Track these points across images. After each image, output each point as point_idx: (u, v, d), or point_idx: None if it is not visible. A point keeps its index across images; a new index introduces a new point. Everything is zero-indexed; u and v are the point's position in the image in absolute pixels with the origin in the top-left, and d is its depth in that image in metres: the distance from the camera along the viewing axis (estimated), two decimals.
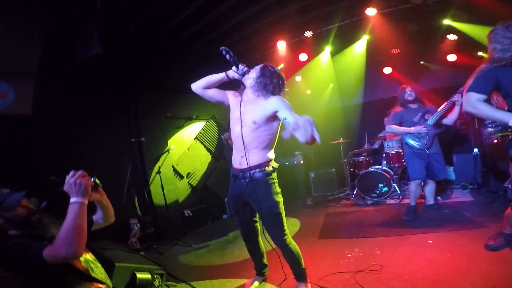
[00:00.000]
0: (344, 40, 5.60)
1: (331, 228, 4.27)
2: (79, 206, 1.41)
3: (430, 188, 4.31)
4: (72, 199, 1.42)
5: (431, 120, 3.98)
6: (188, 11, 4.31)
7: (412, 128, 4.04)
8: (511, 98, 2.20)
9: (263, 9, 4.43)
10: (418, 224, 3.80)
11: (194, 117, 5.64)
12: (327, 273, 2.75)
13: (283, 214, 2.24)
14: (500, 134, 4.80)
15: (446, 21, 4.81)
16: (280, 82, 2.22)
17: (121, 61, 4.45)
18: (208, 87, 2.33)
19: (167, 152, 4.91)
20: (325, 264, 3.01)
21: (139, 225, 4.16)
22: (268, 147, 2.24)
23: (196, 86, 2.34)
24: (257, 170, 2.19)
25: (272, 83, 2.17)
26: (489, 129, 4.97)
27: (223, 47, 2.18)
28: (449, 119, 3.96)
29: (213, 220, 5.17)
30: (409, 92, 4.17)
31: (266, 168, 2.20)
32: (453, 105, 3.87)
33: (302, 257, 2.37)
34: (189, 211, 5.04)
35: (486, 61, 2.26)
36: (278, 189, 2.25)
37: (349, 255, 3.14)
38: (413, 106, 4.17)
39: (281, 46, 5.33)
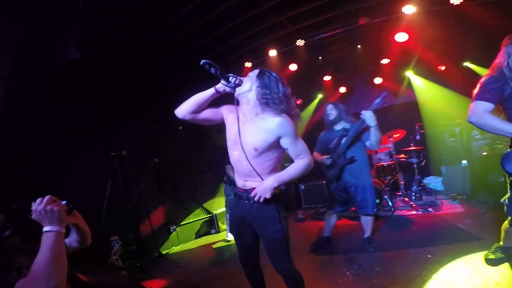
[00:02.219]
0: (337, 50, 5.57)
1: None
2: (55, 235, 1.25)
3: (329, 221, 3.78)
4: (46, 228, 1.26)
5: (340, 148, 3.37)
6: (177, 16, 4.14)
7: (319, 158, 3.45)
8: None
9: (255, 17, 4.32)
10: (414, 238, 3.73)
11: (180, 128, 5.39)
12: None
13: (289, 240, 2.01)
14: (485, 146, 4.89)
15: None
16: (285, 91, 1.87)
17: (101, 67, 4.18)
18: (197, 110, 1.93)
19: (150, 166, 4.59)
20: (325, 284, 2.85)
21: (120, 242, 3.85)
22: (272, 171, 1.94)
23: (183, 113, 1.93)
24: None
25: (275, 96, 1.82)
26: (479, 141, 5.02)
27: (204, 61, 1.76)
28: (371, 144, 3.27)
29: (201, 235, 4.89)
30: (328, 111, 3.48)
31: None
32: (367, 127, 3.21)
33: (304, 282, 2.14)
34: (174, 227, 4.75)
35: (493, 69, 2.15)
36: (285, 213, 2.00)
37: (348, 273, 3.01)
38: (337, 127, 3.48)
39: (272, 54, 5.22)
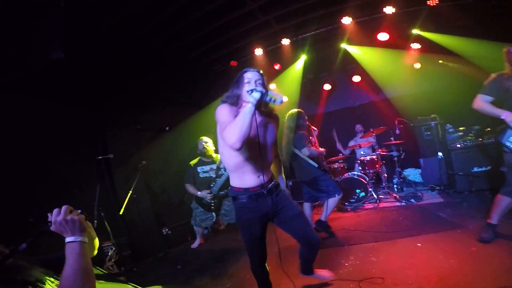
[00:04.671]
0: (320, 48, 5.70)
1: (320, 236, 4.21)
2: (80, 245, 1.24)
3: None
4: (69, 238, 1.24)
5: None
6: (163, 14, 4.07)
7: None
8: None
9: (243, 16, 4.33)
10: (402, 228, 3.90)
11: (167, 128, 5.28)
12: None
13: None
14: (459, 139, 5.21)
15: (415, 31, 5.14)
16: None
17: (85, 67, 4.06)
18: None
19: (139, 168, 4.49)
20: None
21: (114, 248, 3.74)
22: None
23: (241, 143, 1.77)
24: (275, 181, 2.22)
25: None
26: (453, 134, 5.34)
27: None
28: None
29: (193, 236, 4.84)
30: (306, 117, 4.06)
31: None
32: None
33: None
34: (167, 229, 4.68)
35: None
36: None
37: (346, 264, 3.10)
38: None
39: (258, 53, 5.26)
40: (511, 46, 2.80)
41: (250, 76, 2.04)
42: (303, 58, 5.97)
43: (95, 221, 3.65)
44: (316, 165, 3.97)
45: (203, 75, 5.87)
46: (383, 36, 5.04)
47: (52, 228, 1.26)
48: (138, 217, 4.18)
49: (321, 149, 4.13)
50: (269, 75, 6.33)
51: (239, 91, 2.04)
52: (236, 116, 1.85)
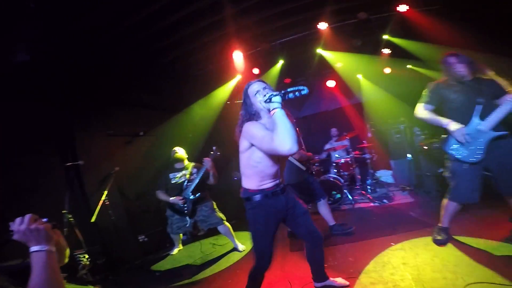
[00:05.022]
0: (297, 53, 5.80)
1: (298, 238, 4.26)
2: (47, 254, 1.21)
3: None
4: (34, 248, 1.21)
5: None
6: (138, 16, 3.97)
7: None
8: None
9: (222, 20, 4.32)
10: (376, 228, 4.05)
11: (141, 133, 5.12)
12: (309, 281, 2.77)
13: None
14: (425, 141, 5.50)
15: (385, 36, 5.38)
16: None
17: (52, 70, 3.90)
18: None
19: (111, 174, 4.33)
20: (305, 275, 2.97)
21: (86, 256, 3.59)
22: None
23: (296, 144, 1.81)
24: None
25: None
26: (419, 137, 5.63)
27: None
28: None
29: (171, 243, 4.73)
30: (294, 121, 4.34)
31: None
32: None
33: None
34: (143, 236, 4.54)
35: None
36: None
37: (325, 265, 3.14)
38: None
39: (238, 57, 5.27)
40: (446, 55, 2.91)
41: (255, 88, 2.08)
42: (280, 63, 6.05)
43: (65, 229, 3.49)
44: (304, 168, 4.02)
45: (179, 79, 5.79)
46: (356, 42, 5.23)
47: (15, 237, 1.23)
48: (112, 225, 4.02)
49: (308, 153, 4.18)
50: (248, 80, 6.34)
51: (253, 106, 2.07)
52: (267, 129, 1.91)
